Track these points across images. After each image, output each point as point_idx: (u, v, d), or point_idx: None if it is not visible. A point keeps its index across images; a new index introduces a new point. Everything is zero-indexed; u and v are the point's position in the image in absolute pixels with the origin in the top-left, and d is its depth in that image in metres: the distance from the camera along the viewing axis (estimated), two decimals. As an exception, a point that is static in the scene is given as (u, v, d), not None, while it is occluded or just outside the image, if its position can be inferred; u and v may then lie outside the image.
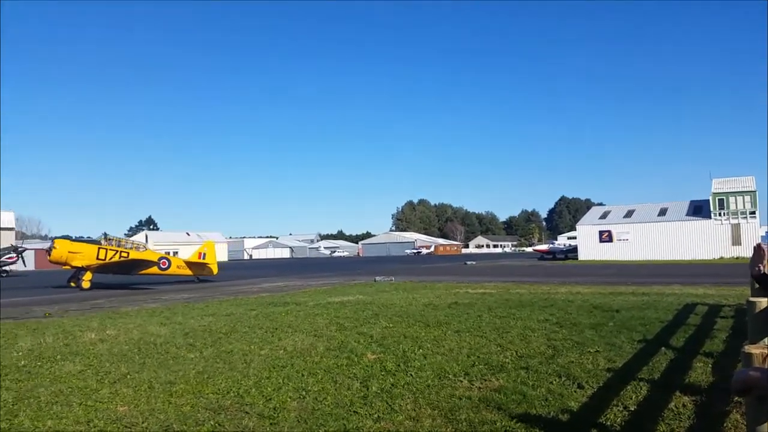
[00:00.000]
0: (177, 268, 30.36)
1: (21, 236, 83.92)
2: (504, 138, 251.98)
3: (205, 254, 31.94)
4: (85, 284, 25.75)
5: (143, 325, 11.75)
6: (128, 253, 28.29)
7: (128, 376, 7.03)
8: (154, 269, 28.95)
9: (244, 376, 6.94)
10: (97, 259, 27.23)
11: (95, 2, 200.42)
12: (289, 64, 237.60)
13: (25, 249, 53.90)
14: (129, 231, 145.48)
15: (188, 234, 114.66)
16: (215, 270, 31.95)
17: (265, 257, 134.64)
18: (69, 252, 26.94)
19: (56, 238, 27.00)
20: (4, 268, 46.96)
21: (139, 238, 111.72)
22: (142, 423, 5.14)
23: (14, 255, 48.18)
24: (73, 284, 27.11)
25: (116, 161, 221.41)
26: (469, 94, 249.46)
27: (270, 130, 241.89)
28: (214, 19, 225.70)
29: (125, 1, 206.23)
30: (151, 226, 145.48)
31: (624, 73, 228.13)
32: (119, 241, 29.33)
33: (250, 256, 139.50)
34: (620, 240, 54.09)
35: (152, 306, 16.58)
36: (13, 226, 73.68)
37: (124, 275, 29.18)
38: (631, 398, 5.69)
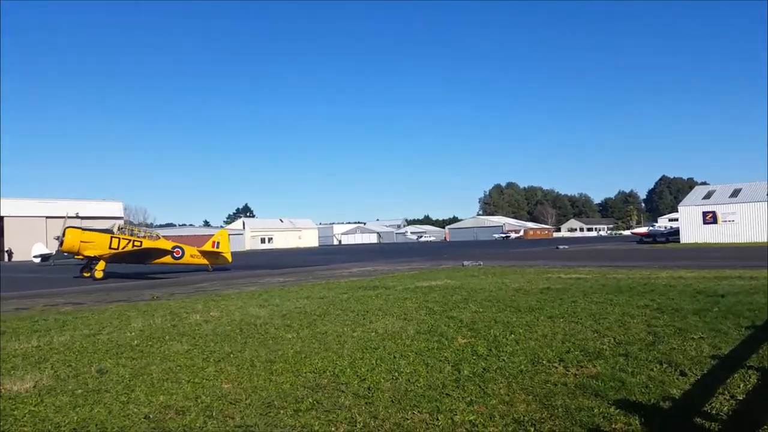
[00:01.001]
0: (191, 258, 29.74)
1: (129, 224, 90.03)
2: (598, 116, 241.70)
3: (219, 243, 30.94)
4: (98, 274, 25.26)
5: (244, 307, 12.36)
6: (141, 242, 27.86)
7: (231, 355, 7.43)
8: (168, 258, 28.51)
9: (339, 356, 7.15)
10: (110, 248, 26.75)
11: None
12: (374, 58, 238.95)
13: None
14: (227, 218, 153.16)
15: (281, 221, 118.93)
16: (229, 258, 31.23)
17: (353, 242, 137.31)
18: (81, 242, 26.41)
19: (68, 227, 26.82)
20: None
21: (237, 225, 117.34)
22: (246, 399, 5.43)
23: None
24: (86, 274, 26.84)
25: (215, 154, 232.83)
26: (560, 74, 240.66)
27: (357, 119, 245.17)
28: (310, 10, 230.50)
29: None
30: (248, 214, 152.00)
31: (728, 47, 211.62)
32: (132, 230, 29.01)
33: (339, 241, 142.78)
34: (726, 221, 50.58)
35: (251, 289, 17.38)
36: (122, 215, 79.41)
37: (138, 264, 29.10)
38: (739, 387, 5.36)
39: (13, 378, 6.40)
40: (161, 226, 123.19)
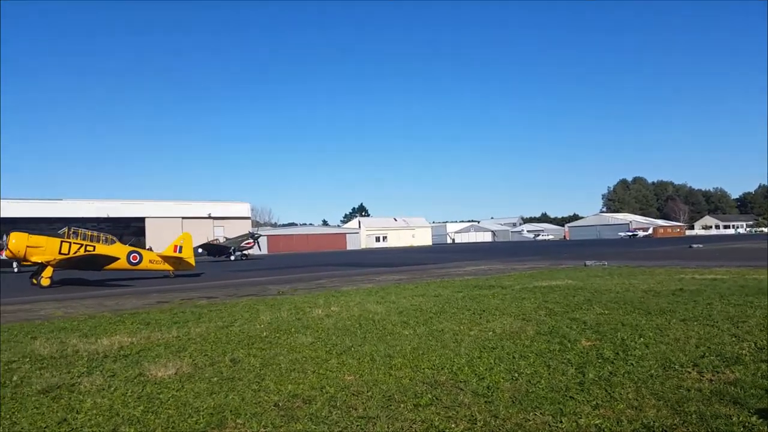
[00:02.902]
0: (150, 263, 27.82)
1: (256, 224, 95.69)
2: (733, 104, 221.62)
3: (182, 247, 28.91)
4: (45, 281, 23.01)
5: (362, 303, 12.72)
6: (94, 246, 25.91)
7: (352, 349, 7.69)
8: (124, 264, 26.60)
9: (456, 354, 7.16)
10: (60, 253, 24.71)
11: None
12: (481, 52, 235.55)
13: (260, 235, 61.55)
14: (344, 218, 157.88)
15: (395, 219, 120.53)
16: (193, 264, 29.35)
17: (467, 241, 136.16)
18: (27, 246, 24.36)
19: (13, 231, 25.08)
20: (244, 252, 54.09)
21: (352, 224, 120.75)
22: (367, 392, 5.60)
23: (251, 241, 55.23)
24: (34, 281, 24.08)
25: (333, 156, 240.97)
26: (689, 57, 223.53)
27: (469, 115, 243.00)
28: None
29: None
30: (363, 213, 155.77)
31: None
32: (86, 234, 26.44)
33: (453, 240, 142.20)
34: None
35: (368, 286, 17.85)
36: (250, 215, 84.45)
37: (93, 271, 27.02)
38: None
39: (157, 365, 7.04)
40: (284, 225, 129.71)
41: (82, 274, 28.46)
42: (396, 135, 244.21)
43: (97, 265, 25.58)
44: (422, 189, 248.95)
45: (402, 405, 5.18)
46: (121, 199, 74.69)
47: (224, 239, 57.80)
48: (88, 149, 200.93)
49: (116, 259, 25.67)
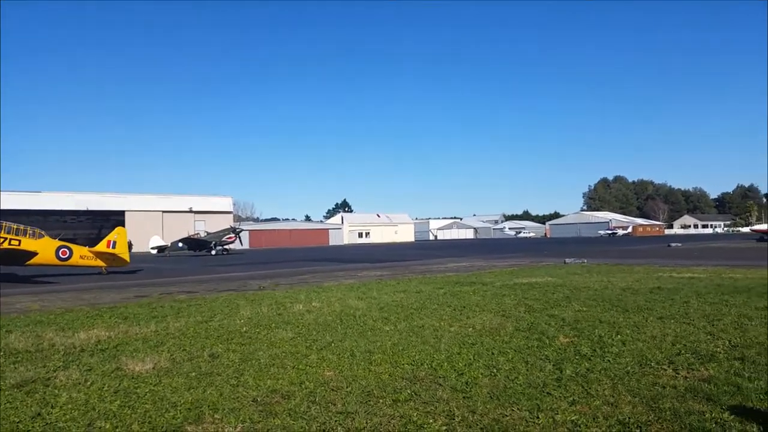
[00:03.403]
0: (81, 259, 26.29)
1: (237, 219, 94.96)
2: (712, 104, 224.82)
3: (115, 243, 27.37)
4: None
5: (343, 299, 12.72)
6: (19, 240, 24.39)
7: (332, 344, 7.68)
8: (51, 260, 25.29)
9: (436, 350, 7.19)
10: None
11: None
12: (467, 50, 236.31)
13: (242, 230, 61.14)
14: (327, 213, 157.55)
15: (378, 216, 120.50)
16: (127, 259, 27.84)
17: (449, 238, 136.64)
18: None
19: None
20: (225, 247, 53.71)
21: (335, 220, 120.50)
22: (346, 388, 5.60)
23: (233, 235, 54.85)
24: None
25: (317, 151, 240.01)
26: (672, 56, 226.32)
27: (454, 113, 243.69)
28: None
29: None
30: (346, 209, 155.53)
31: None
32: (11, 228, 24.84)
33: (435, 236, 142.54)
34: None
35: (349, 282, 17.84)
36: (231, 209, 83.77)
37: (16, 266, 25.58)
38: None
39: (135, 359, 6.98)
40: (266, 220, 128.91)
41: (11, 269, 26.70)
42: (380, 131, 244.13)
43: (18, 260, 24.39)
44: (406, 185, 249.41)
45: (381, 400, 5.19)
46: (102, 192, 73.70)
47: (205, 233, 57.34)
48: (70, 141, 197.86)
49: (35, 254, 24.42)
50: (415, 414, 4.81)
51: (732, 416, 4.55)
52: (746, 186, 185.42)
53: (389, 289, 14.79)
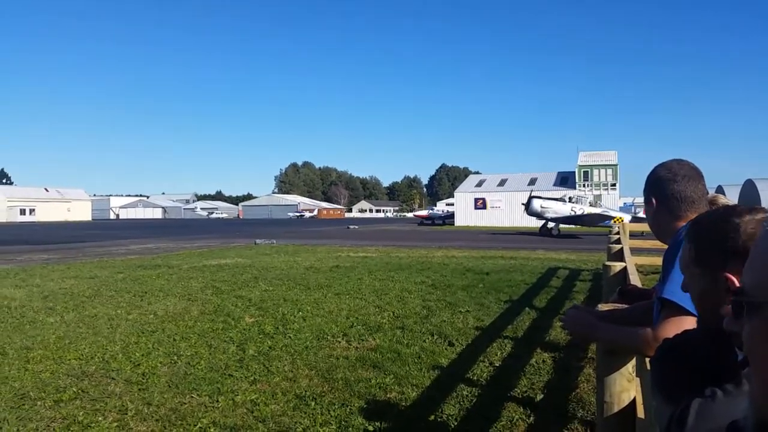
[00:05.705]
0: None
1: None
2: (389, 104, 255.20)
3: None
4: None
5: (-7, 289, 10.69)
6: None
7: (-26, 344, 6.38)
8: None
9: (110, 341, 6.56)
10: None
11: None
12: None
13: None
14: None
15: (47, 190, 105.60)
16: None
17: (134, 217, 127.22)
18: None
19: None
20: None
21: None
22: (-10, 394, 4.70)
23: None
24: None
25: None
26: (362, 56, 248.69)
27: (137, 78, 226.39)
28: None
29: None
30: (4, 180, 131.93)
31: (503, 50, 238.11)
32: None
33: (117, 215, 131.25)
34: (493, 207, 56.93)
35: (4, 267, 15.10)
36: None
37: None
38: (497, 354, 6.06)
39: None
40: None
41: None
42: (44, 84, 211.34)
43: None
44: (81, 156, 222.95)
45: (39, 403, 4.54)
46: None
47: None
48: None
49: None
50: (81, 413, 4.31)
51: (392, 380, 5.17)
52: (411, 177, 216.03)
53: (57, 275, 12.97)
